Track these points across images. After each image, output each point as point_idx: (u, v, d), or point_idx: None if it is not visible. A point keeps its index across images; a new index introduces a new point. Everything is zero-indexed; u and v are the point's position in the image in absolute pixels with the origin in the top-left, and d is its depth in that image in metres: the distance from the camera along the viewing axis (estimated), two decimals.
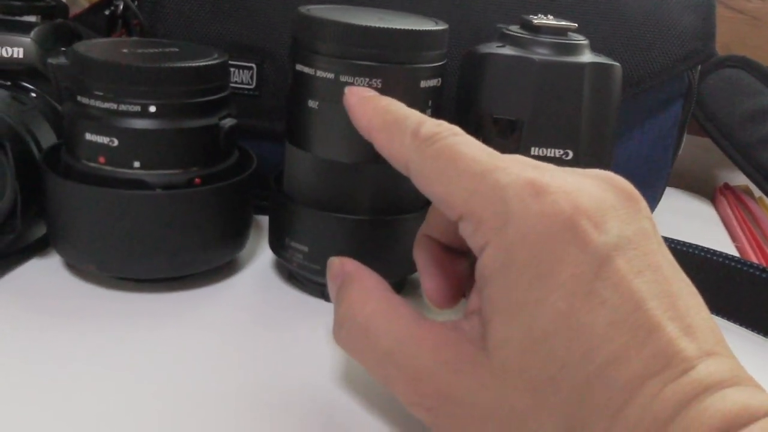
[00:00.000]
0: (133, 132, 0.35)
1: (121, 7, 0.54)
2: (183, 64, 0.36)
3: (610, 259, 0.23)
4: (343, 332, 0.28)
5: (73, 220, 0.36)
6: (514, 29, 0.40)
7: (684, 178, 0.68)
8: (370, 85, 0.35)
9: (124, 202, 0.35)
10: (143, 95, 0.35)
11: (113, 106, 0.35)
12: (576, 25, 0.40)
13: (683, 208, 0.63)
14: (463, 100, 0.41)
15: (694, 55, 0.47)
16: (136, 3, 0.51)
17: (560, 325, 0.23)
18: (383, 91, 0.35)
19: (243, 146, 0.43)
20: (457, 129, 0.27)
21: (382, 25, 0.34)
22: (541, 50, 0.39)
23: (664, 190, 0.53)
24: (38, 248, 0.42)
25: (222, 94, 0.38)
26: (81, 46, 0.37)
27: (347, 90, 0.32)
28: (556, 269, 0.23)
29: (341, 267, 0.30)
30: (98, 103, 0.36)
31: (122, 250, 0.36)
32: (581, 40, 0.40)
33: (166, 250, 0.37)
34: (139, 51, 0.38)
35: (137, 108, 0.35)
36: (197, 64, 0.36)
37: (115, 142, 0.35)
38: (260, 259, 0.44)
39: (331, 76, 0.35)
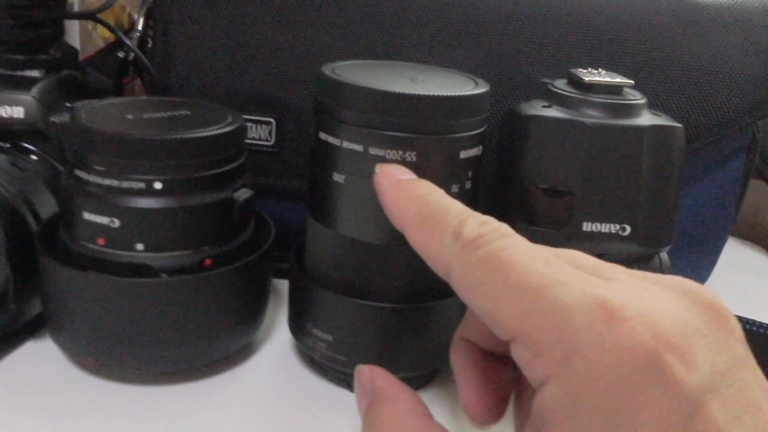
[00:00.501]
0: (136, 212, 0.32)
1: (132, 55, 0.50)
2: (193, 135, 0.32)
3: (703, 404, 0.19)
4: None
5: (70, 308, 0.33)
6: (561, 86, 0.36)
7: (739, 225, 0.63)
8: (403, 159, 0.31)
9: (124, 291, 0.32)
10: (148, 170, 0.31)
11: (114, 182, 0.31)
12: (632, 82, 0.35)
13: (742, 261, 0.58)
14: (505, 166, 0.36)
15: (760, 105, 0.43)
16: (149, 47, 0.48)
17: None
18: (418, 164, 0.31)
19: (259, 213, 0.39)
20: (506, 228, 0.23)
21: (416, 92, 0.30)
22: (593, 112, 0.34)
23: (721, 250, 0.48)
24: (34, 329, 0.38)
25: (237, 163, 0.35)
26: (82, 112, 0.34)
27: (378, 169, 0.28)
28: (639, 419, 0.19)
29: (371, 381, 0.26)
30: (98, 179, 0.32)
31: (123, 342, 0.32)
32: (638, 99, 0.35)
33: (172, 341, 0.33)
34: (146, 116, 0.34)
35: (141, 185, 0.31)
36: (209, 133, 0.33)
37: (116, 223, 0.32)
38: (277, 337, 0.40)
39: (359, 148, 0.31)
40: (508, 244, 0.22)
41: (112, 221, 0.32)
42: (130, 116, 0.34)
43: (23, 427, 0.31)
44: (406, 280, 0.33)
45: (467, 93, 0.31)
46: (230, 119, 0.35)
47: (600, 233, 0.34)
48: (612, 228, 0.34)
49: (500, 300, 0.21)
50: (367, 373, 0.26)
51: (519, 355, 0.21)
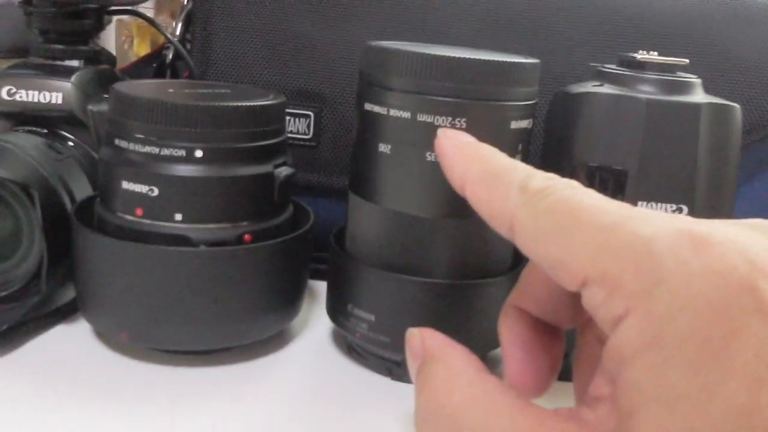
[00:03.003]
0: (175, 180, 0.31)
1: (170, 56, 0.51)
2: (235, 104, 0.31)
3: None
4: (428, 427, 0.22)
5: (104, 281, 0.31)
6: (612, 68, 0.35)
7: None
8: (453, 126, 0.30)
9: (162, 261, 0.30)
10: (189, 138, 0.31)
11: (154, 150, 0.31)
12: (687, 61, 0.34)
13: None
14: (552, 147, 0.35)
15: None
16: (187, 50, 0.48)
17: (741, 423, 0.16)
18: (468, 132, 0.29)
19: (298, 202, 0.38)
20: (574, 182, 0.22)
21: (467, 56, 0.29)
22: (647, 89, 0.33)
23: None
24: (65, 314, 0.37)
25: (278, 139, 0.34)
26: (122, 85, 0.33)
27: (441, 132, 0.27)
28: (734, 348, 0.17)
29: (421, 342, 0.24)
30: (138, 147, 0.31)
31: (159, 317, 0.31)
32: (693, 78, 0.34)
33: (210, 317, 0.31)
34: (187, 91, 0.34)
35: (181, 152, 0.31)
36: (252, 103, 0.32)
37: (155, 192, 0.31)
38: (315, 328, 0.38)
39: (406, 115, 0.30)
40: (579, 193, 0.21)
41: (151, 189, 0.31)
42: (171, 90, 0.34)
43: (53, 407, 0.29)
44: (453, 256, 0.32)
45: (520, 60, 0.30)
46: (271, 96, 0.34)
47: None
48: (668, 209, 0.33)
49: (572, 242, 0.20)
50: (417, 335, 0.25)
51: (592, 298, 0.19)
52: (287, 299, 0.35)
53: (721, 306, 0.17)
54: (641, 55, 0.34)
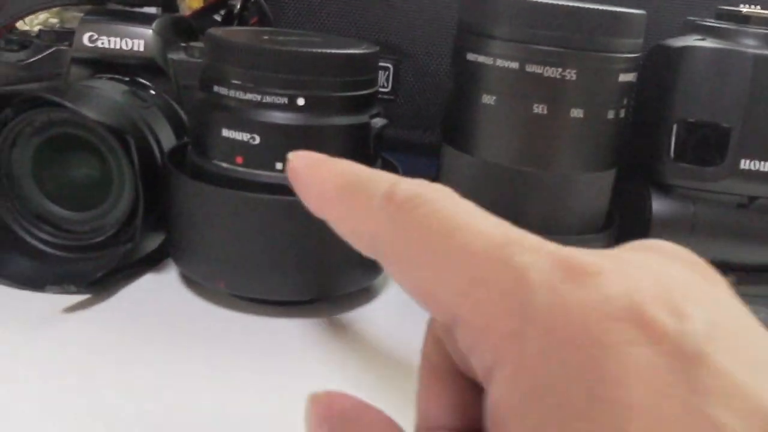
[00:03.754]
0: (278, 128, 0.30)
1: (239, 6, 0.50)
2: (338, 51, 0.31)
3: (705, 355, 0.14)
4: None
5: (204, 230, 0.31)
6: (713, 22, 0.34)
7: None
8: (563, 77, 0.29)
9: (265, 210, 0.30)
10: (291, 85, 0.30)
11: (256, 97, 0.30)
12: None
13: None
14: (650, 103, 0.35)
15: None
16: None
17: None
18: (578, 83, 0.29)
19: (383, 156, 0.38)
20: (447, 189, 0.18)
21: (578, 5, 0.29)
22: (752, 42, 0.33)
23: None
24: (155, 261, 0.37)
25: (373, 89, 0.33)
26: (217, 31, 0.33)
27: (291, 155, 0.21)
28: (626, 386, 0.14)
29: (329, 408, 0.19)
30: (238, 94, 0.31)
31: (259, 267, 0.31)
32: None
33: (310, 266, 0.31)
34: (281, 38, 0.33)
35: (284, 100, 0.30)
36: (353, 51, 0.31)
37: (257, 140, 0.30)
38: (395, 285, 0.38)
39: (515, 65, 0.29)
40: (453, 204, 0.17)
41: (252, 137, 0.30)
42: (266, 37, 0.33)
43: (146, 355, 0.30)
44: (550, 210, 0.31)
45: (630, 11, 0.30)
46: (364, 45, 0.34)
47: (759, 172, 0.32)
48: None
49: (441, 270, 0.16)
50: (323, 399, 0.19)
51: (464, 340, 0.16)
52: None
53: (604, 342, 0.14)
54: (746, 8, 0.33)
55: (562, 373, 0.14)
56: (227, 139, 0.31)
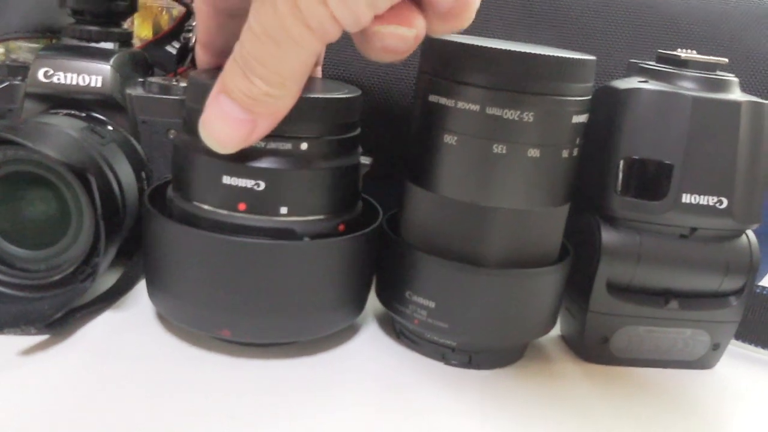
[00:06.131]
0: (282, 174, 0.30)
1: (194, 40, 0.50)
2: (336, 95, 0.31)
3: None
4: None
5: (203, 278, 0.31)
6: (653, 65, 0.37)
7: None
8: (521, 119, 0.30)
9: (276, 254, 0.31)
10: (296, 130, 0.30)
11: (260, 143, 0.30)
12: (727, 60, 0.36)
13: None
14: (598, 141, 0.36)
15: None
16: None
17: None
18: (535, 125, 0.31)
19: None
20: None
21: (540, 52, 0.30)
22: (689, 86, 0.35)
23: None
24: (111, 299, 0.36)
25: (359, 129, 0.34)
26: (201, 75, 0.33)
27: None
28: None
29: None
30: None
31: (261, 310, 0.31)
32: (731, 76, 0.36)
33: (313, 307, 0.32)
34: None
35: (288, 145, 0.30)
36: (347, 95, 0.32)
37: (262, 186, 0.31)
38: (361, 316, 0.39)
39: (476, 107, 0.31)
40: None
41: (257, 184, 0.30)
42: None
43: (111, 395, 0.30)
44: (510, 245, 0.33)
45: (585, 57, 0.32)
46: (347, 87, 0.34)
47: (698, 205, 0.34)
48: (710, 200, 0.35)
49: None
50: None
51: None
52: (368, 286, 0.36)
53: None
54: (684, 53, 0.36)
55: None
56: (228, 186, 0.31)
